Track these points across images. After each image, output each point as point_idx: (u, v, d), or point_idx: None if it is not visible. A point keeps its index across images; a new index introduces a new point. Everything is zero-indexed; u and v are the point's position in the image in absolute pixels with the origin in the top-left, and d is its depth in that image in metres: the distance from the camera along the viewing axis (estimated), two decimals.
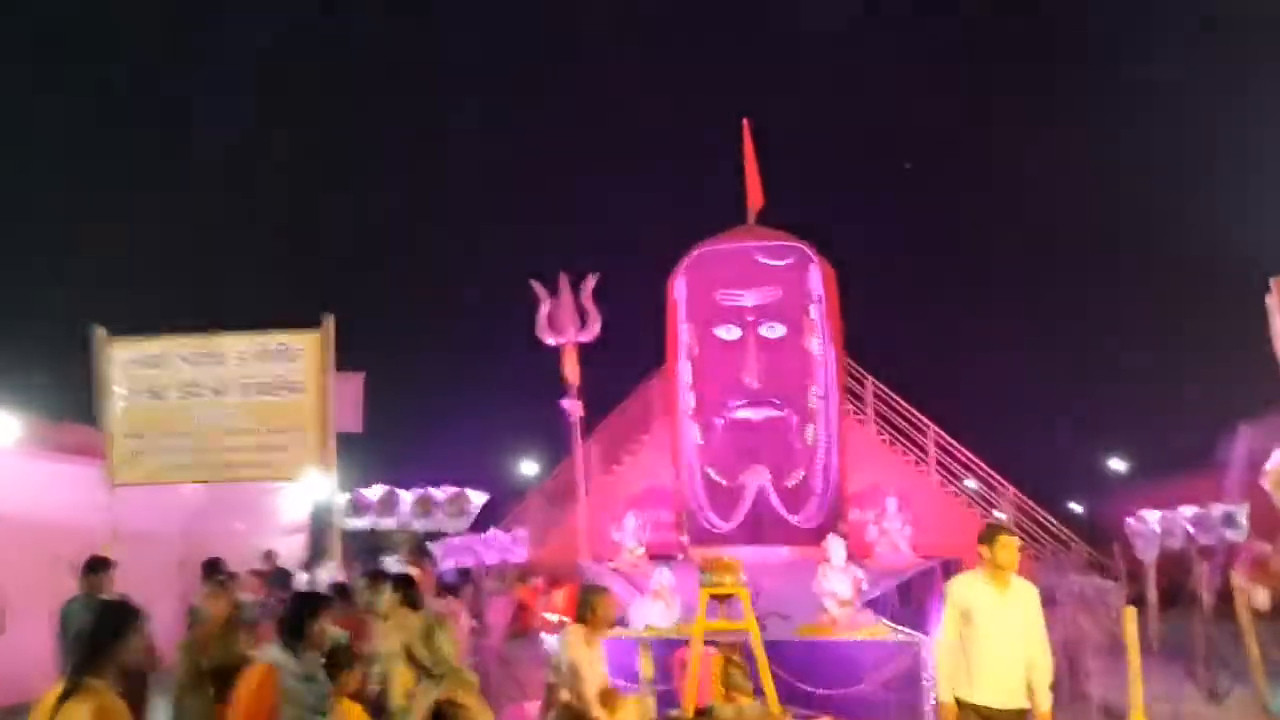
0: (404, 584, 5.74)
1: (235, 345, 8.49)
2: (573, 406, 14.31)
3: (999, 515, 17.29)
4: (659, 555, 14.80)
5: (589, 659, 6.22)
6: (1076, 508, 24.29)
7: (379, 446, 16.54)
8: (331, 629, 6.04)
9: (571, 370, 14.33)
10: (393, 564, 14.09)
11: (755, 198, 15.79)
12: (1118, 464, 25.82)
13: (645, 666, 6.57)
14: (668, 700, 7.72)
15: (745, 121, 16.23)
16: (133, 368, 8.44)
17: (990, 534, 5.87)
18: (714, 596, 6.53)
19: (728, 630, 6.58)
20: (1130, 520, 10.16)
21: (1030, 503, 16.97)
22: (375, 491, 8.53)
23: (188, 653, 5.86)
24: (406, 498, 8.26)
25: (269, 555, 11.21)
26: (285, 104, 35.96)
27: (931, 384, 19.76)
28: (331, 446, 8.36)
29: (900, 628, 9.54)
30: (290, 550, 14.97)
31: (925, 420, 17.12)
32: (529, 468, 21.59)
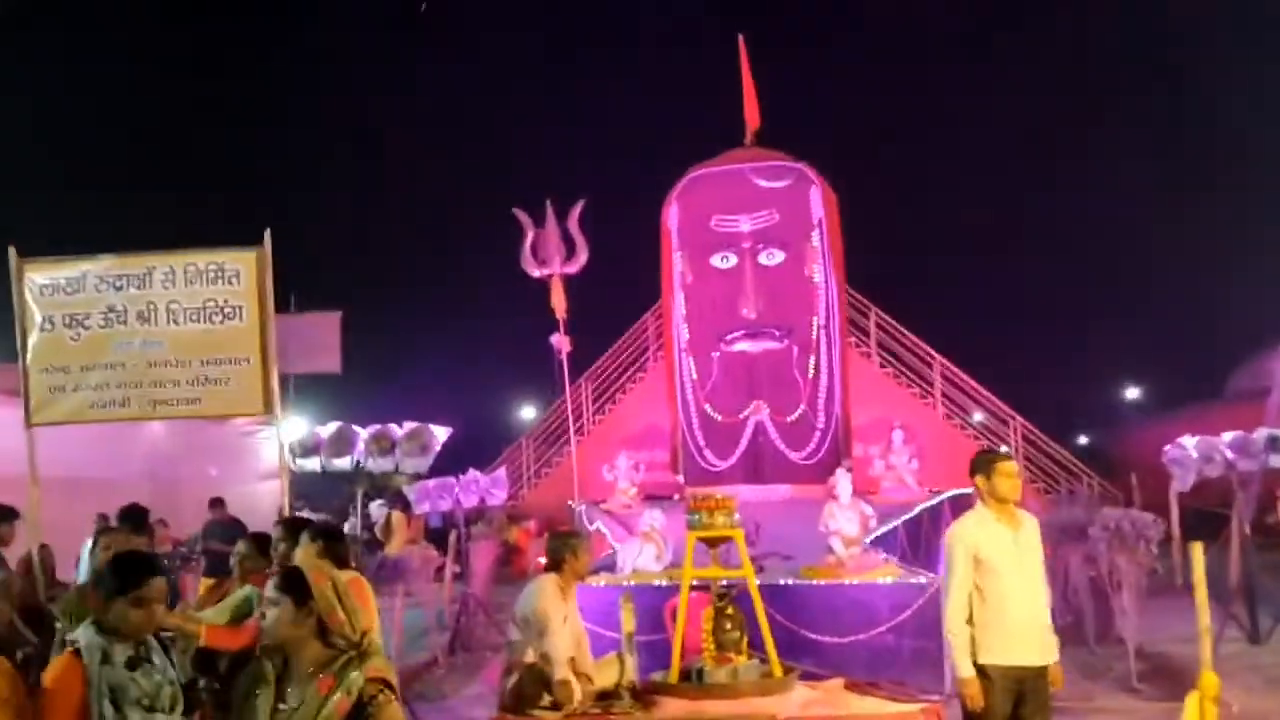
0: (326, 534, 4.57)
1: (162, 266, 7.26)
2: (561, 342, 13.13)
3: (1004, 449, 16.17)
4: (654, 496, 13.77)
5: (562, 613, 5.11)
6: (1084, 441, 23.15)
7: (363, 389, 15.47)
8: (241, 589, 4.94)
9: (559, 303, 13.12)
10: (376, 509, 13.01)
11: (752, 118, 14.45)
12: (1132, 394, 24.58)
13: (626, 619, 5.47)
14: (660, 653, 6.62)
15: (741, 38, 14.82)
16: (49, 294, 7.24)
17: (985, 462, 4.74)
18: (703, 539, 5.40)
19: (720, 578, 5.45)
20: (1167, 448, 9.01)
21: (1040, 435, 15.82)
22: (327, 429, 7.39)
23: (72, 614, 4.72)
24: (362, 434, 7.11)
25: (216, 503, 10.08)
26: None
27: (937, 315, 18.49)
28: (275, 381, 7.17)
29: (914, 568, 8.44)
30: (270, 497, 13.91)
31: (931, 352, 15.93)
32: (527, 412, 20.48)
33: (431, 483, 9.61)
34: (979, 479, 4.68)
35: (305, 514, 14.06)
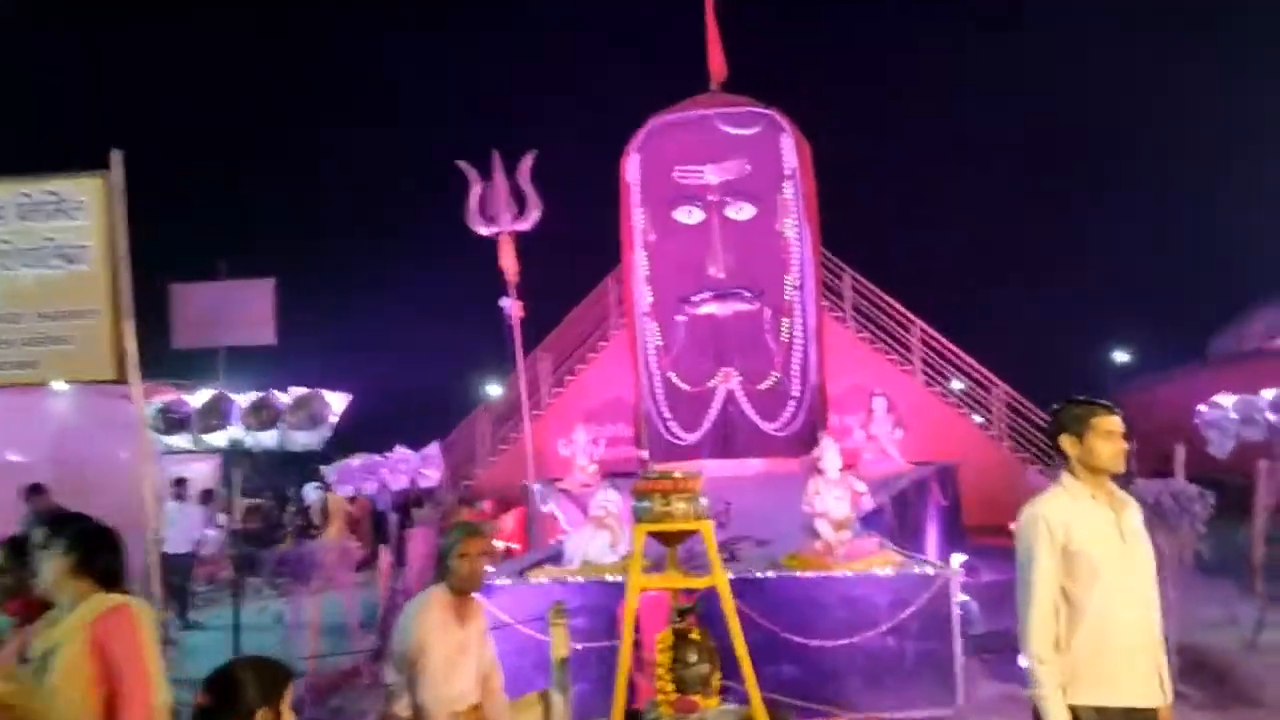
0: (88, 540, 2.94)
1: None
2: (512, 306, 11.54)
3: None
4: (617, 473, 12.25)
5: (452, 642, 3.49)
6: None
7: (299, 360, 13.75)
8: None
9: (509, 263, 11.53)
10: (311, 492, 11.34)
11: (718, 67, 12.81)
12: (1110, 358, 23.22)
13: (557, 642, 3.90)
14: (608, 670, 5.08)
15: None
16: None
17: (1075, 417, 3.20)
18: (656, 534, 3.82)
19: (680, 588, 3.85)
20: (1202, 409, 7.54)
21: (1025, 402, 14.39)
22: (198, 397, 5.78)
23: None
24: (240, 403, 5.52)
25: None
26: None
27: (912, 277, 16.98)
28: (130, 339, 5.52)
29: (918, 556, 6.95)
30: (198, 480, 12.18)
31: (909, 316, 14.45)
32: (484, 385, 18.81)
33: (355, 461, 8.02)
34: (1066, 440, 3.17)
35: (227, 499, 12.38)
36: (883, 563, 6.18)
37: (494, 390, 17.85)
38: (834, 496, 6.41)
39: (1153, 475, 11.69)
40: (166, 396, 6.23)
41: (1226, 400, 7.03)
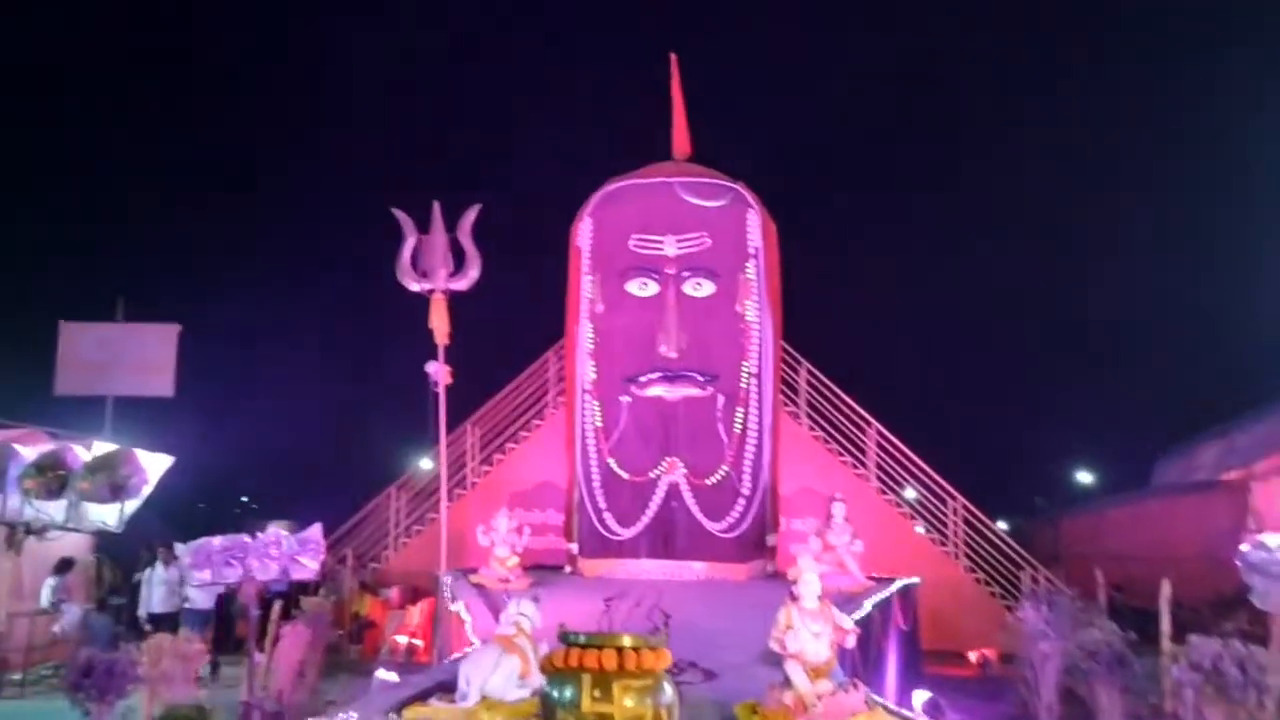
0: None
1: None
2: (439, 372, 9.86)
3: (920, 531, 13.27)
4: (542, 566, 10.51)
5: None
6: (1003, 526, 20.48)
7: (199, 419, 11.83)
8: None
9: (440, 324, 9.91)
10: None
11: (682, 143, 11.56)
12: (1055, 478, 22.02)
13: None
14: None
15: (674, 57, 11.99)
16: None
17: None
18: None
19: None
20: (1245, 549, 6.02)
21: (982, 518, 12.97)
22: None
23: None
24: (26, 456, 3.74)
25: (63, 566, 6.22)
26: None
27: (871, 375, 15.66)
28: None
29: (910, 714, 5.27)
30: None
31: (867, 417, 13.05)
32: (406, 458, 16.82)
33: (217, 543, 6.17)
34: None
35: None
36: None
37: (414, 463, 15.84)
38: (811, 633, 4.77)
39: (1111, 604, 10.28)
40: None
41: (1274, 540, 5.58)
